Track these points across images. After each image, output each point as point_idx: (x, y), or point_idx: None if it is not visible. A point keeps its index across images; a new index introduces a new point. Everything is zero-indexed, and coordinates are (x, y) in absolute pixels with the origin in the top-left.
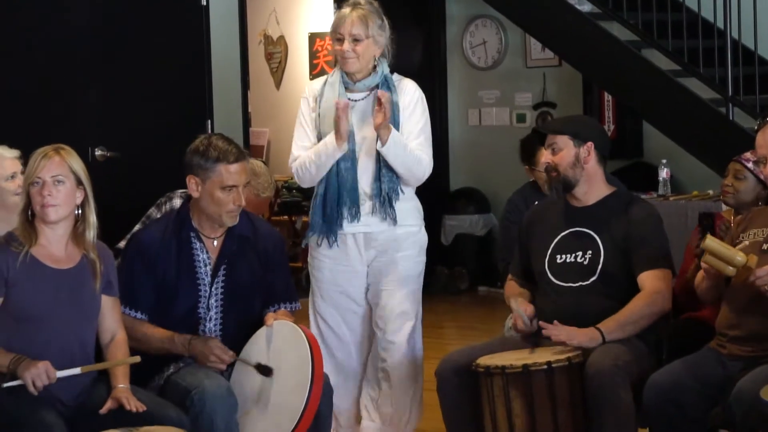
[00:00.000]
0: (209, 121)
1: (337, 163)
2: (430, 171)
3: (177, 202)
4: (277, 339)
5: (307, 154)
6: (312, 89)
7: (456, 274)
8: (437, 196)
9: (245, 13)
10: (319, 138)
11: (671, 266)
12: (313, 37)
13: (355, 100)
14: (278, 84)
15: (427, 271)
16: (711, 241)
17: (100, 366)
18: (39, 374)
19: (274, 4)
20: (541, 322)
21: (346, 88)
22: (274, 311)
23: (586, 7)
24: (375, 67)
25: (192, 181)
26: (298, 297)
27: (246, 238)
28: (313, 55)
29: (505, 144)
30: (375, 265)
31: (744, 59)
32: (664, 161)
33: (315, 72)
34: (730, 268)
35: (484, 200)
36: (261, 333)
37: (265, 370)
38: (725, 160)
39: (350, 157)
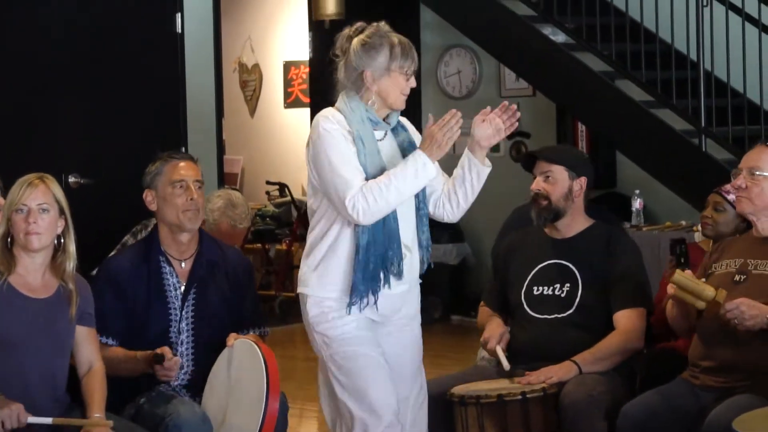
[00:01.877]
0: (183, 149)
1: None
2: None
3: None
4: (237, 358)
5: (381, 180)
6: (337, 123)
7: (429, 303)
8: None
9: (220, 40)
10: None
11: (648, 303)
12: (287, 66)
13: (379, 140)
14: (252, 112)
15: None
16: (680, 276)
17: (74, 422)
18: (11, 416)
19: (249, 32)
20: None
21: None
22: (244, 335)
23: (561, 38)
24: None
25: (148, 196)
26: (266, 322)
27: (215, 263)
28: (287, 83)
29: None
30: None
31: (716, 91)
32: (637, 192)
33: (289, 101)
34: (700, 302)
35: (457, 229)
36: (224, 354)
37: (157, 358)
38: (698, 191)
39: None
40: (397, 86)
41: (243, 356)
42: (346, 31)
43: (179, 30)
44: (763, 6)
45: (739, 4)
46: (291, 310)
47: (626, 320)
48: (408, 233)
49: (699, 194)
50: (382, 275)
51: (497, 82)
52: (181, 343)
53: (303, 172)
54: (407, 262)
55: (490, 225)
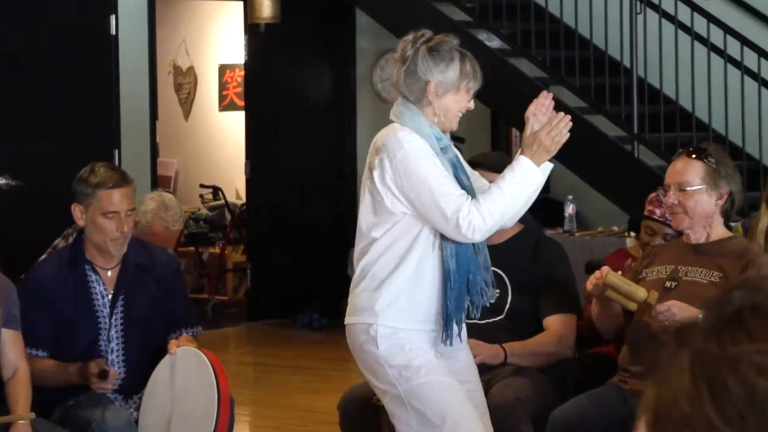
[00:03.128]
0: (116, 151)
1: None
2: None
3: None
4: (181, 366)
5: (493, 192)
6: (421, 138)
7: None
8: (344, 229)
9: (155, 43)
10: None
11: (577, 309)
12: (223, 69)
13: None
14: (187, 115)
15: (334, 304)
16: (613, 277)
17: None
18: None
19: (184, 34)
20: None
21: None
22: (176, 337)
23: (495, 44)
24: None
25: (76, 210)
26: (198, 321)
27: (142, 267)
28: (222, 86)
29: None
30: None
31: (649, 98)
32: (570, 197)
33: (224, 104)
34: (632, 303)
35: None
36: (165, 361)
37: (102, 374)
38: (630, 197)
39: None
40: (458, 105)
41: (188, 365)
42: (411, 36)
43: (113, 32)
44: (696, 14)
45: (673, 12)
46: (224, 313)
47: (557, 324)
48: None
49: (631, 200)
50: (468, 303)
51: None
52: (111, 351)
53: (237, 175)
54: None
55: None
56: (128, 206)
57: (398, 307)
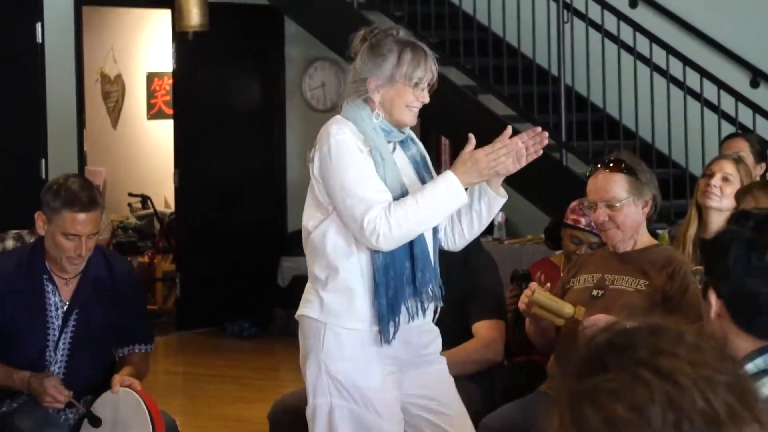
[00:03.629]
0: (43, 160)
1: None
2: None
3: (9, 244)
4: (122, 408)
5: (407, 202)
6: (351, 134)
7: (292, 316)
8: (274, 237)
9: (81, 51)
10: None
11: (505, 315)
12: (151, 77)
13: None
14: (115, 123)
15: (264, 313)
16: (539, 295)
17: None
18: None
19: (111, 42)
20: None
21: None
22: (129, 352)
23: None
24: None
25: (40, 219)
26: (153, 339)
27: (101, 279)
28: (150, 94)
29: None
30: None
31: (577, 106)
32: None
33: (153, 112)
34: (559, 319)
35: None
36: (106, 399)
37: (93, 420)
38: (559, 204)
39: None
40: (402, 99)
41: (127, 410)
42: (362, 32)
43: (39, 40)
44: (622, 23)
45: (599, 21)
46: (153, 323)
47: (485, 330)
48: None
49: (560, 208)
50: (412, 303)
51: None
52: (55, 362)
53: (166, 183)
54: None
55: None
56: (91, 230)
57: (339, 304)
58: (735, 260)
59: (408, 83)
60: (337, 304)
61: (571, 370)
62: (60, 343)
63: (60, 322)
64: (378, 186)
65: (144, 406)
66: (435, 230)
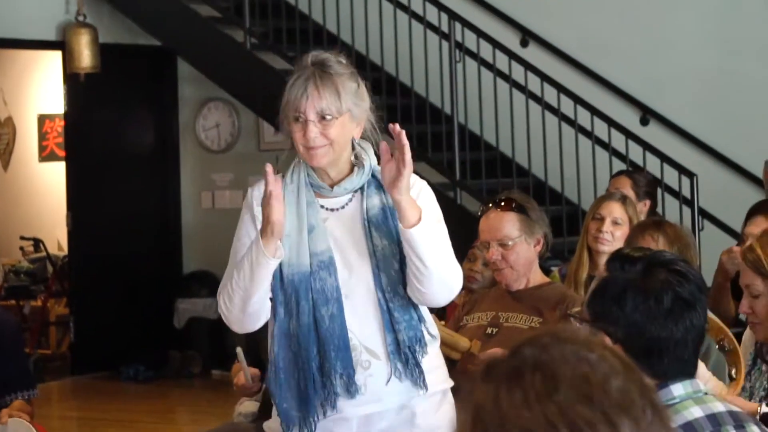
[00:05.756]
0: None
1: (315, 307)
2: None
3: None
4: None
5: (232, 275)
6: (258, 194)
7: (189, 358)
8: (169, 279)
9: None
10: None
11: None
12: (42, 119)
13: (332, 210)
14: (6, 166)
15: (160, 356)
16: None
17: None
18: None
19: (1, 84)
20: None
21: (317, 194)
22: (10, 401)
23: None
24: (357, 156)
25: None
26: (36, 383)
27: None
28: (42, 137)
29: None
30: None
31: (470, 144)
32: None
33: (44, 154)
34: (455, 353)
35: (216, 283)
36: None
37: None
38: (454, 242)
39: (334, 297)
40: (296, 139)
41: None
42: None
43: None
44: (513, 62)
45: (491, 61)
46: (47, 367)
47: None
48: (367, 330)
49: (455, 246)
50: (317, 395)
51: (256, 135)
52: None
53: (58, 227)
54: (374, 372)
55: None
56: None
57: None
58: (633, 309)
59: (286, 114)
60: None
61: (487, 381)
62: None
63: None
64: (240, 252)
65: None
66: (384, 291)
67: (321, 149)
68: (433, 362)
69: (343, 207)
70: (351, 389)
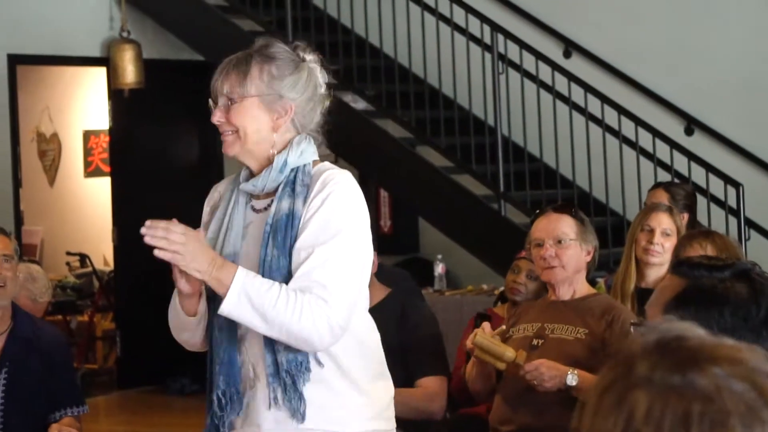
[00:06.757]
0: None
1: (210, 323)
2: (340, 327)
3: None
4: None
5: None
6: (214, 190)
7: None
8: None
9: (17, 109)
10: None
11: (447, 370)
12: (87, 135)
13: (257, 211)
14: (52, 182)
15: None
16: (481, 338)
17: None
18: None
19: (47, 101)
20: None
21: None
22: (60, 417)
23: (361, 105)
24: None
25: None
26: (84, 399)
27: (28, 340)
28: (87, 152)
29: None
30: None
31: (514, 156)
32: (439, 256)
33: (90, 170)
34: (501, 363)
35: None
36: None
37: None
38: (498, 254)
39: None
40: None
41: None
42: None
43: None
44: (556, 74)
45: (534, 72)
46: (94, 382)
47: (429, 383)
48: (255, 348)
49: (499, 258)
50: (221, 412)
51: None
52: None
53: (104, 242)
54: (257, 394)
55: None
56: (3, 251)
57: None
58: (731, 314)
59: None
60: None
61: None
62: None
63: None
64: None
65: None
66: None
67: (228, 137)
68: (335, 399)
69: (265, 208)
70: (236, 407)
